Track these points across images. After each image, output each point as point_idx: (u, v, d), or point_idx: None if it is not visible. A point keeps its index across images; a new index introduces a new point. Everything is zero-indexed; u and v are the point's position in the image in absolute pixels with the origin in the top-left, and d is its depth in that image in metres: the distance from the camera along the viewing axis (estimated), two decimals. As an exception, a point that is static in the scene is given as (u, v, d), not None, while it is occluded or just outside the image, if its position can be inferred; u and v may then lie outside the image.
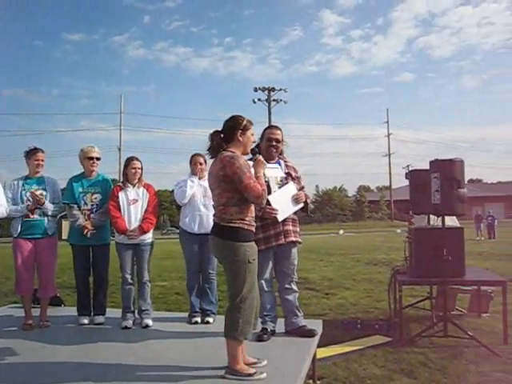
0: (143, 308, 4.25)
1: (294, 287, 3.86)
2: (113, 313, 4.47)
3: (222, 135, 3.03)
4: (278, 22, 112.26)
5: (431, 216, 5.95)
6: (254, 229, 3.02)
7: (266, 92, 39.25)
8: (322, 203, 56.52)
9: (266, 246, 3.66)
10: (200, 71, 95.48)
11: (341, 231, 35.42)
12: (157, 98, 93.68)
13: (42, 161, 4.35)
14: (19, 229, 4.19)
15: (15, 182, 4.31)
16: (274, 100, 39.21)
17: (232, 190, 2.90)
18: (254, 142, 3.16)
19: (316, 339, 3.65)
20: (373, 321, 5.67)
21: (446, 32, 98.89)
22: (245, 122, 3.05)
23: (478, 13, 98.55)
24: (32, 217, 4.21)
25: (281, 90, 39.42)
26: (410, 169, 6.08)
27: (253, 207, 3.02)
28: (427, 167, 5.41)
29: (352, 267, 11.58)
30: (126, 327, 4.10)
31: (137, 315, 4.29)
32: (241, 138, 3.02)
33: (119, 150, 42.40)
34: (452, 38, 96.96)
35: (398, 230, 27.37)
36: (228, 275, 2.95)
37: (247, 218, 2.94)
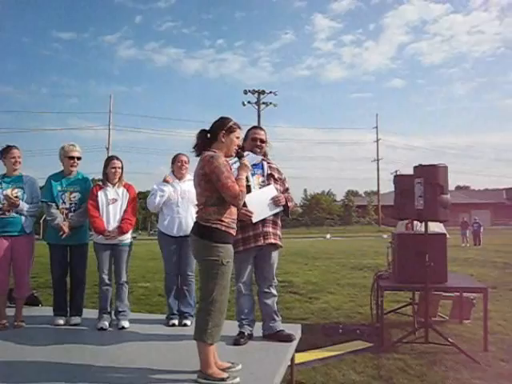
0: (120, 309, 4.17)
1: (273, 291, 3.82)
2: (90, 313, 4.37)
3: (208, 135, 3.01)
4: (270, 25, 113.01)
5: (415, 222, 5.96)
6: (233, 232, 2.97)
7: (256, 94, 39.32)
8: (310, 207, 56.74)
9: (245, 248, 3.62)
10: (191, 72, 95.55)
11: (328, 235, 35.54)
12: (147, 99, 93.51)
13: (19, 157, 4.25)
14: None
15: None
16: (263, 103, 39.27)
17: (211, 190, 2.88)
18: (239, 146, 3.12)
19: (294, 344, 3.60)
20: (355, 326, 5.65)
21: (436, 39, 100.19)
22: (230, 124, 3.03)
23: (468, 21, 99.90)
24: (8, 214, 4.11)
25: (271, 92, 39.52)
26: (394, 175, 6.08)
27: (234, 209, 2.98)
28: (402, 174, 5.45)
29: (337, 271, 11.58)
30: (101, 328, 4.02)
31: (114, 316, 4.21)
32: (223, 139, 2.99)
33: (107, 149, 42.06)
34: (443, 45, 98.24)
35: (385, 236, 27.52)
36: (200, 276, 2.91)
37: (226, 220, 2.90)
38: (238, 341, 3.55)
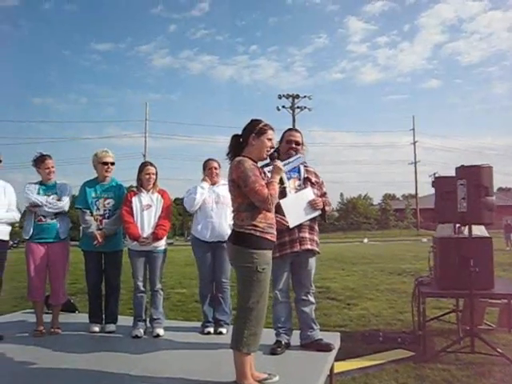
0: (155, 317, 4.13)
1: (311, 299, 3.69)
2: (125, 321, 4.36)
3: (240, 139, 2.96)
4: (303, 29, 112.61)
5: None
6: (270, 237, 2.87)
7: (291, 99, 39.29)
8: (347, 211, 56.04)
9: (281, 254, 3.51)
10: (225, 79, 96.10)
11: (365, 240, 34.93)
12: (182, 106, 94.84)
13: (53, 167, 4.31)
14: (31, 231, 4.16)
15: (32, 186, 4.26)
16: (298, 107, 39.24)
17: (241, 195, 2.82)
18: (273, 148, 3.02)
19: (333, 354, 3.46)
20: (395, 333, 5.44)
21: (474, 37, 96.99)
22: (260, 126, 2.94)
23: (508, 17, 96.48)
24: (44, 220, 4.17)
25: (305, 97, 39.49)
26: (435, 176, 5.84)
27: (269, 214, 2.89)
28: (443, 176, 5.21)
29: (375, 277, 11.28)
30: (136, 336, 3.99)
31: (149, 324, 4.19)
32: (253, 142, 2.91)
33: (144, 156, 42.81)
34: (481, 43, 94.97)
35: (424, 239, 26.78)
36: (238, 283, 2.85)
37: (260, 225, 2.81)
38: (274, 350, 3.44)
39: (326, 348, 3.47)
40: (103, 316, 4.29)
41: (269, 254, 2.86)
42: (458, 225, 5.51)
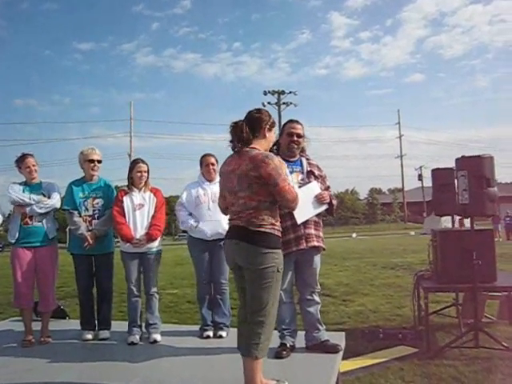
0: (151, 322, 3.94)
1: (316, 298, 3.53)
2: (120, 326, 4.15)
3: (246, 129, 2.74)
4: (286, 25, 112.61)
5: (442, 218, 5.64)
6: (282, 235, 2.78)
7: (276, 95, 39.19)
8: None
9: (286, 252, 3.33)
10: (209, 77, 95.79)
11: (354, 234, 35.04)
12: (166, 105, 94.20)
13: (34, 166, 4.07)
14: (17, 235, 3.94)
15: (16, 186, 4.04)
16: (283, 103, 39.15)
17: (265, 193, 2.65)
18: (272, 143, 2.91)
19: (340, 355, 3.32)
20: (395, 329, 5.32)
21: (456, 31, 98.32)
22: (272, 119, 2.83)
23: (489, 10, 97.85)
24: (30, 223, 3.95)
25: (290, 92, 39.48)
26: (432, 168, 5.73)
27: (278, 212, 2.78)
28: (440, 168, 5.12)
29: (368, 271, 11.21)
30: (132, 343, 3.80)
31: (144, 329, 4.00)
32: (267, 134, 2.79)
33: (130, 156, 42.34)
34: (463, 36, 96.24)
35: (412, 233, 26.97)
36: (252, 285, 2.65)
37: (277, 223, 2.72)
38: (279, 353, 3.29)
39: (333, 349, 3.32)
40: (96, 322, 4.09)
41: (281, 253, 2.75)
42: (458, 217, 5.42)
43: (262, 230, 2.63)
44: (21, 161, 4.07)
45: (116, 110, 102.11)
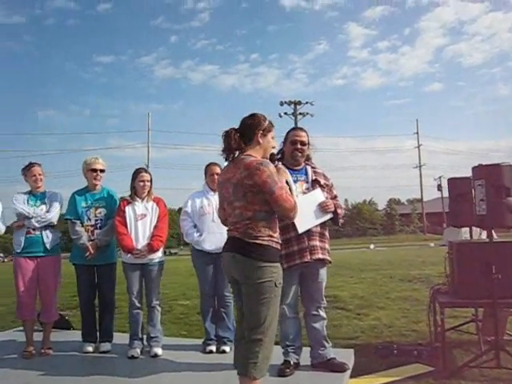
0: (152, 335, 3.83)
1: (322, 314, 3.37)
2: (122, 338, 4.05)
3: (238, 135, 2.63)
4: (303, 36, 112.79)
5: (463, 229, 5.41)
6: (281, 247, 2.64)
7: (292, 106, 39.10)
8: (352, 217, 55.57)
9: (289, 265, 3.19)
10: (227, 88, 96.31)
11: (372, 246, 34.49)
12: (184, 116, 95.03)
13: (40, 175, 4.05)
14: (22, 244, 3.88)
15: (20, 196, 4.02)
16: (300, 113, 39.00)
17: (260, 203, 2.50)
18: (274, 148, 2.75)
19: (347, 374, 3.15)
20: (411, 346, 5.08)
21: (476, 39, 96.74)
22: (267, 123, 2.67)
23: (510, 18, 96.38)
24: (33, 233, 3.90)
25: (307, 103, 39.28)
26: (448, 178, 5.51)
27: (277, 223, 2.62)
28: (456, 177, 4.91)
29: (385, 284, 10.89)
30: (132, 356, 3.69)
31: (146, 342, 3.88)
32: (261, 140, 2.63)
33: (147, 166, 42.65)
34: (483, 44, 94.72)
35: (432, 244, 26.41)
36: (249, 301, 2.51)
37: (275, 235, 2.57)
38: (282, 371, 3.13)
39: (339, 368, 3.15)
40: (97, 334, 4.00)
41: (280, 266, 2.60)
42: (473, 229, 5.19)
43: (259, 242, 2.48)
44: (27, 169, 4.05)
45: (134, 121, 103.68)
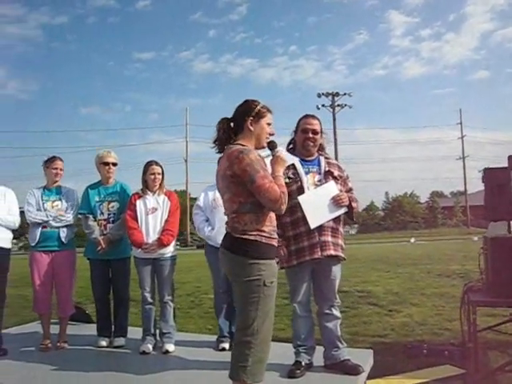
0: (164, 331, 3.75)
1: (336, 312, 3.17)
2: (138, 333, 3.99)
3: (231, 124, 2.49)
4: (342, 27, 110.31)
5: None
6: (275, 243, 2.44)
7: (330, 97, 38.49)
8: (393, 210, 54.48)
9: (299, 261, 3.03)
10: (266, 81, 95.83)
11: (412, 239, 33.54)
12: (223, 110, 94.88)
13: (61, 170, 4.07)
14: (37, 238, 3.89)
15: (34, 191, 4.05)
16: (338, 105, 38.35)
17: (244, 194, 2.34)
18: (272, 135, 2.54)
19: (362, 377, 2.95)
20: (442, 346, 4.81)
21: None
22: (258, 108, 2.47)
23: None
24: (48, 227, 3.91)
25: (345, 94, 38.59)
26: (484, 167, 5.18)
27: (273, 215, 2.44)
28: (493, 167, 4.60)
29: (422, 279, 10.50)
30: (144, 352, 3.64)
31: (158, 338, 3.82)
32: (251, 128, 2.45)
33: (186, 161, 43.11)
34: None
35: (475, 238, 25.34)
36: (238, 300, 2.40)
37: (266, 229, 2.37)
38: (293, 372, 2.98)
39: (353, 371, 2.96)
40: (112, 329, 3.97)
41: (275, 263, 2.42)
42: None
43: (245, 237, 2.33)
44: (50, 161, 4.06)
45: (174, 116, 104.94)
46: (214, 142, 2.49)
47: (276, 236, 2.44)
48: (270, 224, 2.40)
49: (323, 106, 37.80)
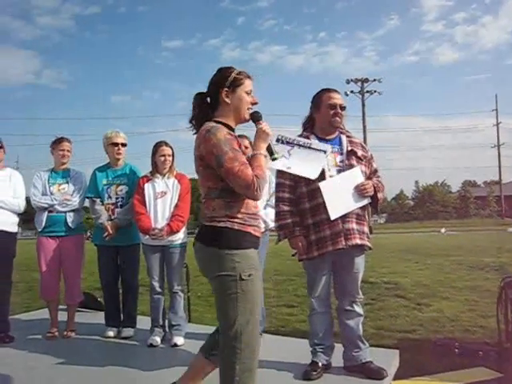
0: (173, 322, 3.54)
1: (358, 309, 2.86)
2: (148, 323, 3.79)
3: (207, 99, 2.17)
4: (373, 12, 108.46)
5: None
6: (253, 230, 2.09)
7: (359, 83, 37.61)
8: (423, 199, 53.35)
9: (320, 252, 2.73)
10: (294, 68, 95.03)
11: (443, 229, 32.68)
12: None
13: (68, 151, 3.89)
14: (43, 223, 3.74)
15: (41, 174, 3.90)
16: (367, 91, 37.46)
17: (213, 178, 2.05)
18: (255, 104, 2.18)
19: (386, 382, 2.66)
20: (476, 345, 4.44)
21: None
22: (233, 75, 2.12)
23: None
24: (54, 212, 3.75)
25: (375, 80, 37.57)
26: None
27: (251, 201, 2.11)
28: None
29: (452, 271, 10.02)
30: (151, 345, 3.44)
31: (168, 330, 3.62)
32: (227, 99, 2.11)
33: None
34: None
35: (510, 229, 24.50)
36: (215, 299, 2.09)
37: (239, 215, 2.05)
38: (308, 374, 2.70)
39: (376, 375, 2.66)
40: (121, 318, 3.80)
41: (254, 253, 2.09)
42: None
43: (213, 224, 2.04)
44: (57, 143, 3.90)
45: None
46: (191, 122, 2.18)
47: (254, 223, 2.11)
48: (246, 211, 2.07)
49: (352, 92, 36.97)
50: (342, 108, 2.87)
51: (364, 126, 35.76)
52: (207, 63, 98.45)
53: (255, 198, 2.03)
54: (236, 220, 2.03)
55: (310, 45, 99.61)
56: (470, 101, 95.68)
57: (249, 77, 2.16)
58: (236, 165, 1.96)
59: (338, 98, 2.88)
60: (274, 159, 2.16)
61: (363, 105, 36.98)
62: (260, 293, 2.13)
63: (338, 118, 2.85)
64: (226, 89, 2.10)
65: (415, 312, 6.11)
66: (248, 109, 2.15)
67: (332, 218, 2.68)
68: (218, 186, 2.04)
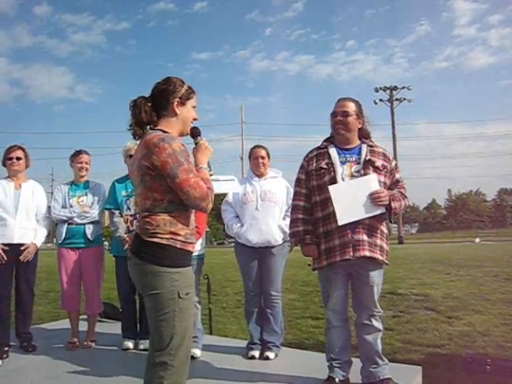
0: (190, 335, 3.50)
1: (376, 324, 2.76)
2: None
3: (149, 104, 2.12)
4: (402, 18, 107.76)
5: None
6: (191, 248, 2.07)
7: (388, 91, 37.20)
8: (456, 209, 52.20)
9: (329, 262, 2.67)
10: (323, 77, 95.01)
11: (477, 239, 31.78)
12: (281, 107, 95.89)
13: (87, 163, 3.95)
14: (63, 235, 3.80)
15: (62, 187, 3.99)
16: (396, 99, 36.99)
17: (162, 190, 1.98)
18: (195, 120, 2.19)
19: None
20: (509, 362, 4.24)
21: None
22: (185, 88, 2.13)
23: None
24: (74, 224, 3.81)
25: (404, 87, 37.15)
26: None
27: (193, 215, 2.09)
28: None
29: (486, 283, 9.68)
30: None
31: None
32: (178, 110, 2.09)
33: (241, 159, 43.31)
34: None
35: (550, 239, 23.56)
36: (150, 315, 2.03)
37: (182, 232, 2.01)
38: (325, 389, 2.61)
39: (395, 394, 2.55)
40: (137, 330, 3.81)
41: (191, 271, 2.08)
42: None
43: (156, 240, 1.96)
44: (75, 155, 3.97)
45: (231, 114, 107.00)
46: (131, 127, 2.11)
47: (193, 240, 2.08)
48: (188, 227, 2.04)
49: (381, 100, 36.59)
50: (345, 115, 2.79)
51: (394, 135, 35.29)
52: (236, 74, 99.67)
53: (207, 210, 2.04)
54: (179, 238, 1.99)
55: (339, 53, 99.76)
56: (506, 106, 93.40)
57: (194, 92, 2.17)
58: (191, 176, 1.95)
59: (339, 106, 2.83)
60: (210, 175, 2.16)
61: (392, 113, 36.55)
62: (193, 310, 2.12)
63: (339, 126, 2.79)
64: (178, 99, 2.09)
65: (445, 326, 5.90)
66: (191, 122, 2.16)
67: (340, 223, 2.61)
68: (165, 199, 1.98)
